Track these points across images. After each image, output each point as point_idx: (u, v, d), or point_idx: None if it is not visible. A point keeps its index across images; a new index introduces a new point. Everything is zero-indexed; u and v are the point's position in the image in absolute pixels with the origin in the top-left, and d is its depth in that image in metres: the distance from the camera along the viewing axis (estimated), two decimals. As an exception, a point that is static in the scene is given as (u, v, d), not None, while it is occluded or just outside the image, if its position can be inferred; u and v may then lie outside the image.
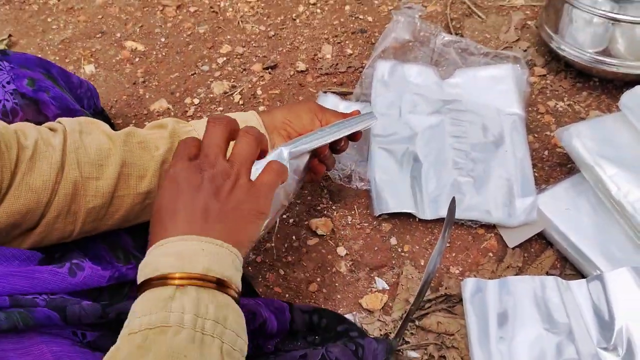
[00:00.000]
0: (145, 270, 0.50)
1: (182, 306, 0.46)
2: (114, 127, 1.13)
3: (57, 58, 1.32)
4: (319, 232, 0.99)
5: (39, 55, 1.31)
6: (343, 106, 1.10)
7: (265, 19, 1.39)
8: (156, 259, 0.50)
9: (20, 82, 0.83)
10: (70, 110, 0.87)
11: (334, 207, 1.02)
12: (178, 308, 0.46)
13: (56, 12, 1.44)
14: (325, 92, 1.16)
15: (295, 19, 1.38)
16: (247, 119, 0.83)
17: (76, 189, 0.65)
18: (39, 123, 0.69)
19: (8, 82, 0.82)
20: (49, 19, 1.42)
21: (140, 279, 0.51)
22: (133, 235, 0.79)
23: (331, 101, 1.12)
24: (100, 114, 1.09)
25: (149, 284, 0.49)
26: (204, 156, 0.56)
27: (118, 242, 0.76)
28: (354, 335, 0.77)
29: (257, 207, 0.56)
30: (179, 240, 0.51)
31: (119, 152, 0.68)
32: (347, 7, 1.39)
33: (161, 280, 0.48)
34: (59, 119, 0.71)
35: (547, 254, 0.94)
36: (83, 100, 0.99)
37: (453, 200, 0.85)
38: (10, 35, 1.38)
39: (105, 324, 0.61)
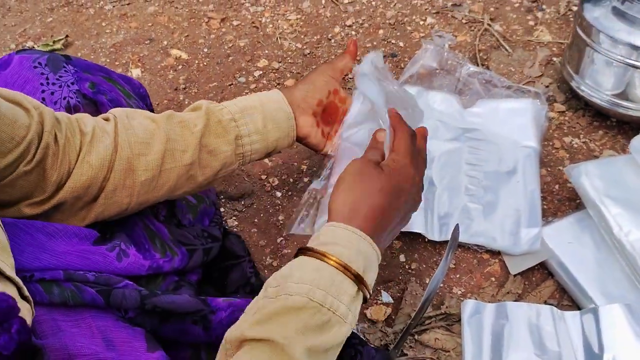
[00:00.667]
0: (315, 241, 0.65)
1: (338, 290, 0.60)
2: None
3: (108, 60, 1.43)
4: (333, 243, 1.05)
5: (91, 57, 1.42)
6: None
7: (302, 37, 1.47)
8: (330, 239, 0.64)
9: (82, 84, 0.92)
10: None
11: (349, 221, 1.09)
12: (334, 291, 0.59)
13: (110, 17, 1.55)
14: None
15: (330, 39, 1.46)
16: (272, 97, 0.87)
17: (129, 165, 0.74)
18: None
19: (72, 83, 0.91)
20: (103, 23, 1.53)
21: (315, 238, 0.66)
22: (169, 229, 0.87)
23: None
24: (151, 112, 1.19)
25: (310, 250, 0.63)
26: (395, 164, 0.73)
27: (156, 232, 0.84)
28: (355, 342, 0.83)
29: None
30: (353, 234, 0.64)
31: (163, 131, 0.77)
32: (381, 31, 1.46)
33: (320, 255, 0.62)
34: (110, 110, 0.81)
35: (547, 283, 0.99)
36: (146, 99, 1.09)
37: (457, 227, 0.90)
38: (66, 36, 1.49)
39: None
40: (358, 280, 0.62)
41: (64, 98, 0.89)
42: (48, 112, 0.69)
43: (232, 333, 0.59)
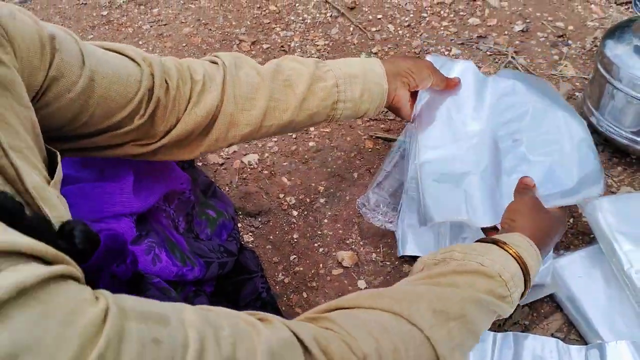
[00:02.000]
0: (504, 239, 0.74)
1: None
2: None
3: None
4: (345, 263, 1.07)
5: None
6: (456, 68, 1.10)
7: (329, 62, 1.51)
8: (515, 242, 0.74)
9: None
10: None
11: (361, 243, 1.11)
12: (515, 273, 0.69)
13: (147, 36, 1.62)
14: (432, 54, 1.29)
15: (356, 65, 1.49)
16: (375, 69, 0.91)
17: (232, 119, 0.79)
18: None
19: None
20: (140, 42, 1.61)
21: (498, 237, 0.75)
22: (187, 241, 0.92)
23: (441, 61, 1.10)
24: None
25: (497, 242, 0.72)
26: (556, 212, 0.88)
27: (176, 243, 0.88)
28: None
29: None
30: (534, 249, 0.74)
31: (267, 87, 0.81)
32: (406, 60, 1.49)
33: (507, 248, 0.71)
34: (216, 53, 0.84)
35: (556, 316, 0.99)
36: None
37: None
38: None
39: None
40: (526, 284, 0.71)
41: None
42: (157, 63, 0.72)
43: (424, 261, 0.73)
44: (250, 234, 1.15)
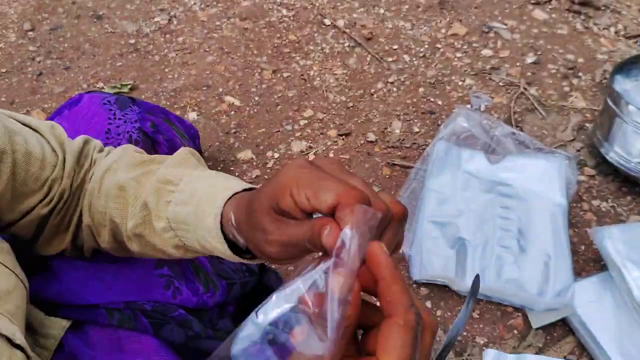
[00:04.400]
0: None
1: None
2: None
3: (168, 103, 1.56)
4: (364, 286, 1.12)
5: (153, 99, 1.56)
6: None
7: (346, 90, 1.57)
8: None
9: (144, 123, 1.04)
10: (177, 149, 1.08)
11: (380, 267, 1.15)
12: None
13: (173, 64, 1.69)
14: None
15: (373, 94, 1.56)
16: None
17: (93, 232, 0.70)
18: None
19: (135, 121, 1.03)
20: (166, 70, 1.68)
21: None
22: (210, 262, 0.96)
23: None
24: (199, 152, 1.31)
25: None
26: None
27: (200, 266, 0.93)
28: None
29: None
30: None
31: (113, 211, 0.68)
32: (421, 89, 1.55)
33: None
34: (111, 149, 0.73)
35: (568, 339, 1.03)
36: (195, 139, 1.20)
37: (477, 277, 0.96)
38: (134, 81, 1.64)
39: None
40: None
41: (127, 132, 1.01)
42: (71, 150, 0.67)
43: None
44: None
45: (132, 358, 0.76)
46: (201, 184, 0.59)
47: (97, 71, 1.69)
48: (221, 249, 0.55)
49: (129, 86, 1.61)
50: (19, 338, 0.54)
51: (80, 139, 0.70)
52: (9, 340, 0.52)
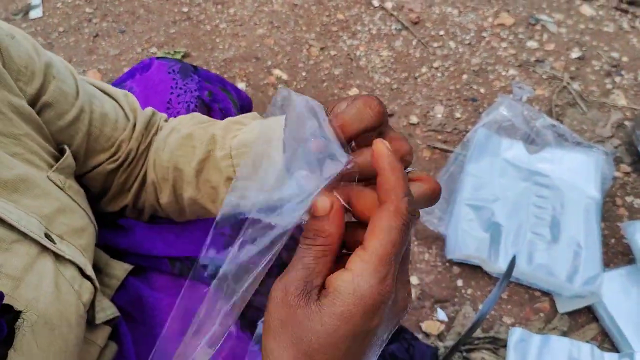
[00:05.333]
0: None
1: None
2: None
3: (218, 73, 1.62)
4: (399, 260, 1.18)
5: (204, 68, 1.62)
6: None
7: (391, 72, 1.62)
8: None
9: (202, 92, 1.11)
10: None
11: (415, 242, 1.21)
12: None
13: (224, 35, 1.75)
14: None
15: (417, 78, 1.60)
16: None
17: (156, 190, 0.75)
18: None
19: (195, 90, 1.10)
20: (217, 39, 1.73)
21: None
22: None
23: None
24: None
25: None
26: (357, 288, 0.38)
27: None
28: (408, 337, 0.96)
29: None
30: None
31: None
32: (465, 76, 1.59)
33: None
34: (173, 118, 0.79)
35: (592, 326, 1.08)
36: (249, 111, 1.26)
37: (514, 258, 1.01)
38: (186, 49, 1.70)
39: None
40: None
41: (186, 102, 1.08)
42: (141, 117, 0.73)
43: None
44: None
45: (194, 304, 0.84)
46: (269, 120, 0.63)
47: (150, 37, 1.75)
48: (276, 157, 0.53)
49: (182, 54, 1.67)
50: (90, 270, 0.62)
51: (149, 109, 0.77)
52: (81, 271, 0.60)
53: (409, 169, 0.44)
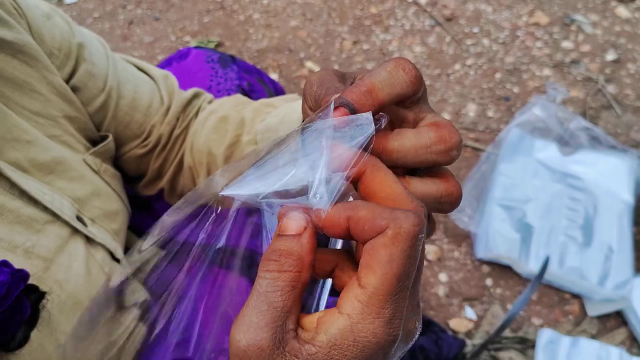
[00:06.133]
0: None
1: None
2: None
3: (252, 63, 1.63)
4: (429, 257, 1.19)
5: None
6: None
7: (424, 69, 1.61)
8: None
9: (242, 82, 1.12)
10: None
11: (445, 240, 1.22)
12: None
13: (257, 25, 1.76)
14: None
15: (449, 75, 1.59)
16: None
17: (191, 171, 0.73)
18: None
19: (235, 79, 1.12)
20: (250, 30, 1.74)
21: None
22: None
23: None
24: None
25: None
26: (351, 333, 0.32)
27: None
28: (436, 329, 0.97)
29: None
30: None
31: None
32: (498, 75, 1.58)
33: None
34: (216, 100, 0.76)
35: (621, 330, 1.08)
36: None
37: (547, 260, 1.02)
38: (220, 39, 1.71)
39: None
40: None
41: (227, 90, 1.09)
42: (177, 100, 0.70)
43: None
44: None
45: (226, 290, 0.86)
46: (295, 103, 0.60)
47: (185, 25, 1.77)
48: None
49: (215, 43, 1.68)
50: (120, 254, 0.63)
51: (191, 90, 0.75)
52: (111, 255, 0.61)
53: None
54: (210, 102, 0.77)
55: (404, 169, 0.37)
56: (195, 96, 0.74)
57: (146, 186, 0.77)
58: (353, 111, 0.33)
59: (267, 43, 1.70)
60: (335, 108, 0.34)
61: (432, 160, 0.35)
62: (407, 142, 0.35)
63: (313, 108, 0.39)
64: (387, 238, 0.29)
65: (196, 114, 0.73)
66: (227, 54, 1.19)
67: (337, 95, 0.34)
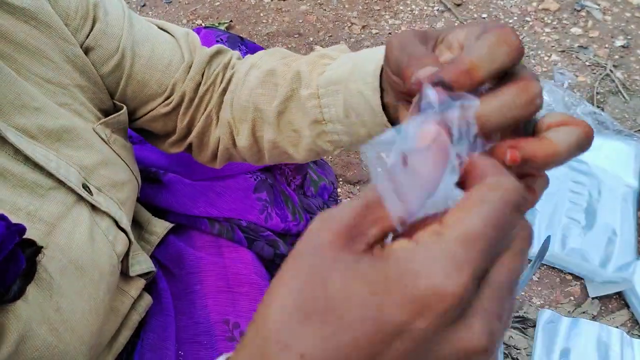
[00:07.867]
0: None
1: None
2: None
3: (261, 46, 1.65)
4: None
5: (248, 41, 1.65)
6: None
7: (432, 53, 1.62)
8: None
9: None
10: None
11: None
12: None
13: (267, 9, 1.77)
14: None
15: (458, 60, 1.60)
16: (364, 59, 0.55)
17: (231, 129, 0.69)
18: None
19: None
20: (261, 14, 1.76)
21: None
22: (298, 197, 1.07)
23: None
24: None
25: None
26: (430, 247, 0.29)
27: (289, 197, 1.04)
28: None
29: None
30: None
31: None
32: (506, 60, 1.58)
33: None
34: (250, 55, 0.71)
35: (622, 312, 1.09)
36: None
37: (548, 239, 1.02)
38: (230, 21, 1.73)
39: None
40: None
41: None
42: (200, 56, 0.68)
43: None
44: (349, 200, 1.29)
45: (233, 263, 0.88)
46: (361, 53, 0.56)
47: (196, 8, 1.78)
48: (372, 99, 0.51)
49: (226, 25, 1.70)
50: (125, 223, 0.63)
51: (215, 47, 0.71)
52: (116, 223, 0.62)
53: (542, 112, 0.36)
54: (239, 59, 0.73)
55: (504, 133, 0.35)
56: (219, 52, 0.71)
57: (174, 144, 0.74)
58: (450, 91, 0.33)
59: (277, 27, 1.72)
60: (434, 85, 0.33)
61: (518, 115, 0.34)
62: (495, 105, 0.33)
63: (395, 72, 0.40)
64: (486, 184, 0.27)
65: (224, 68, 0.70)
66: (237, 35, 1.21)
67: (433, 71, 0.34)
